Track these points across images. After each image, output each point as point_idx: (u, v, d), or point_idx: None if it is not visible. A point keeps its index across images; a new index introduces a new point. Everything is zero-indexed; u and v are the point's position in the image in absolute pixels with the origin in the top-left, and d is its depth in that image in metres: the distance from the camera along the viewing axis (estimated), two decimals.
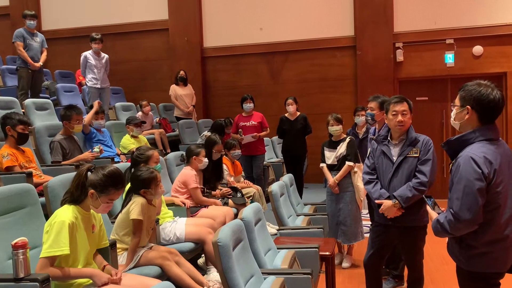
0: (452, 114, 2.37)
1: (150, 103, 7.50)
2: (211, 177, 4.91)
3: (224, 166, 5.29)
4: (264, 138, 6.88)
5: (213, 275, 3.66)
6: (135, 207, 3.12)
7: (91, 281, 2.49)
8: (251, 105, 6.47)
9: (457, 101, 2.34)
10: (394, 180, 3.31)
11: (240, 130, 6.42)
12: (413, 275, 3.43)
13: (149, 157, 3.79)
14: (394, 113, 3.26)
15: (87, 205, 2.57)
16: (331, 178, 4.70)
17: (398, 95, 3.99)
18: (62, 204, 2.57)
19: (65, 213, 2.45)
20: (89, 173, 2.56)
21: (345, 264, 4.82)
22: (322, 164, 4.84)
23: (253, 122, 6.44)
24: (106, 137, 5.35)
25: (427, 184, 3.20)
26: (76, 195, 2.53)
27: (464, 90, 2.30)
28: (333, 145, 4.76)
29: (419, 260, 3.42)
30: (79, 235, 2.48)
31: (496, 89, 2.24)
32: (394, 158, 3.30)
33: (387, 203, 3.26)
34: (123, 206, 3.26)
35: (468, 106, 2.24)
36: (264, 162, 6.71)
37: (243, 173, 6.48)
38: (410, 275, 3.45)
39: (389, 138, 3.37)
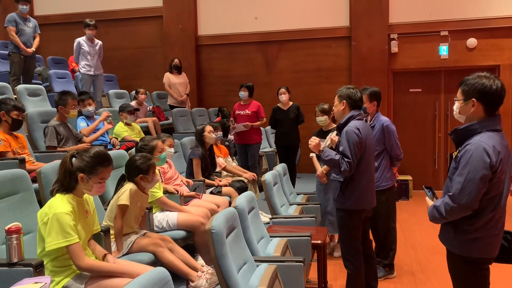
0: (455, 108, 2.42)
1: None
2: (207, 166, 4.95)
3: None
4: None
5: (199, 263, 3.69)
6: (124, 192, 3.14)
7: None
8: (245, 93, 6.43)
9: (459, 96, 2.38)
10: None
11: (231, 119, 6.44)
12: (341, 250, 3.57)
13: (154, 147, 3.80)
14: None
15: (80, 191, 2.56)
16: (320, 168, 4.72)
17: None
18: (53, 194, 2.52)
19: (61, 204, 2.43)
20: (73, 159, 2.55)
21: (336, 253, 4.86)
22: (312, 154, 4.85)
23: (247, 112, 6.43)
24: (99, 125, 5.31)
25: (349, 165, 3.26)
26: (66, 183, 2.51)
27: (466, 84, 2.34)
28: (323, 135, 4.77)
29: (344, 240, 3.50)
30: (76, 223, 2.48)
31: (496, 79, 2.30)
32: None
33: None
34: (114, 194, 3.27)
35: (473, 99, 2.29)
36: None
37: (235, 159, 6.52)
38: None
39: None
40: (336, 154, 3.34)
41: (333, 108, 3.60)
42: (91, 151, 2.56)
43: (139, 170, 3.23)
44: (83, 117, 5.14)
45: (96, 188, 2.55)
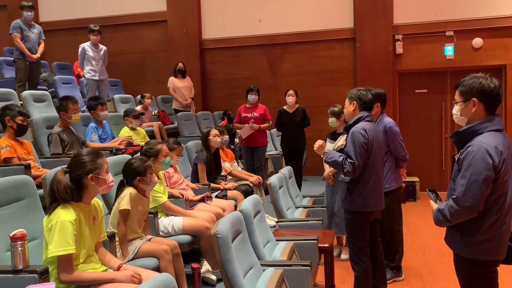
0: (455, 111, 2.40)
1: None
2: (212, 170, 4.93)
3: None
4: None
5: (205, 267, 3.69)
6: (125, 197, 3.12)
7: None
8: (255, 97, 6.42)
9: (458, 98, 2.37)
10: None
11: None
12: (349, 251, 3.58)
13: (159, 151, 3.78)
14: None
15: (88, 197, 2.55)
16: (327, 169, 4.72)
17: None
18: (52, 208, 2.45)
19: (66, 212, 2.41)
20: (67, 175, 2.52)
21: (343, 256, 4.84)
22: None
23: (255, 114, 6.40)
24: (106, 129, 5.33)
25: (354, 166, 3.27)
26: (70, 196, 2.46)
27: (463, 85, 2.34)
28: (335, 136, 4.79)
29: (351, 241, 3.50)
30: (81, 231, 2.48)
31: (492, 78, 2.30)
32: None
33: None
34: (115, 200, 3.25)
35: (474, 99, 2.28)
36: None
37: (240, 162, 6.49)
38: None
39: None
40: (340, 155, 3.33)
41: (344, 109, 3.59)
42: (82, 153, 2.59)
43: (136, 172, 3.22)
44: (94, 126, 5.13)
45: (108, 179, 2.59)
